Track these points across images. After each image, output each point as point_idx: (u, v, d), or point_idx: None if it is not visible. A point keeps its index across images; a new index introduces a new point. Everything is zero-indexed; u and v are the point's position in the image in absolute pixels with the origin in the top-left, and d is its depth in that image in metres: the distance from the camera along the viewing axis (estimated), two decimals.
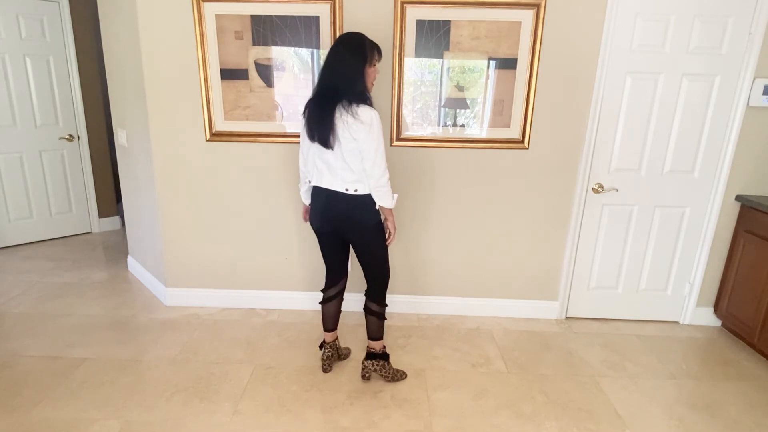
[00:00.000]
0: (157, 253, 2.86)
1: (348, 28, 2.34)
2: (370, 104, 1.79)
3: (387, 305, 2.09)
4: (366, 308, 2.07)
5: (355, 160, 1.80)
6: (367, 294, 2.07)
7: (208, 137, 2.54)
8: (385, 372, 2.12)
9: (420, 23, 2.32)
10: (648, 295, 2.73)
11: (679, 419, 1.96)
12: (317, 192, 1.93)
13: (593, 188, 2.54)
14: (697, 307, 2.72)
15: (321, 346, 2.23)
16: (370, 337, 2.10)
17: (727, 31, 2.28)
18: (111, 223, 4.25)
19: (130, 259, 3.34)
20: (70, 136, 3.85)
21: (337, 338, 2.25)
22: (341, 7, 2.31)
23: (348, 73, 1.76)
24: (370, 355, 2.11)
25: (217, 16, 2.35)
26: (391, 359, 2.32)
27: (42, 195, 3.82)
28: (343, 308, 2.43)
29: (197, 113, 2.51)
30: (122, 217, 4.29)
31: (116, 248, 3.79)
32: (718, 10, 2.26)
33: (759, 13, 2.25)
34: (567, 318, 2.79)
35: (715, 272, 2.66)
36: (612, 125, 2.45)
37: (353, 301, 2.76)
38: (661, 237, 2.62)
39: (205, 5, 2.33)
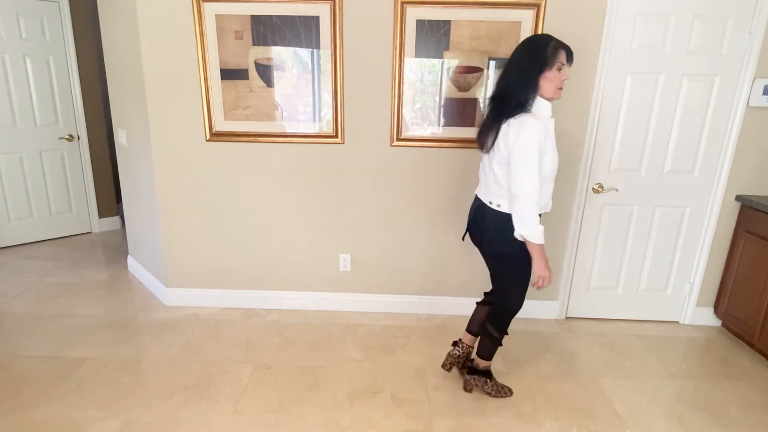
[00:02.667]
0: (157, 253, 2.86)
1: (348, 29, 2.34)
2: (543, 113, 1.68)
3: (507, 333, 1.99)
4: (484, 325, 2.01)
5: (504, 172, 1.71)
6: (489, 313, 2.01)
7: (208, 137, 2.54)
8: (488, 388, 2.05)
9: (420, 23, 2.32)
10: (648, 295, 2.73)
11: (679, 419, 1.96)
12: (474, 201, 1.93)
13: (593, 188, 2.54)
14: (697, 307, 2.72)
15: (455, 343, 2.18)
16: (478, 354, 2.05)
17: (727, 31, 2.28)
18: (111, 223, 4.25)
19: (130, 259, 3.34)
20: (70, 136, 3.85)
21: (472, 347, 2.18)
22: (341, 7, 2.31)
23: (515, 79, 1.67)
24: (472, 370, 2.07)
25: (217, 16, 2.35)
26: (391, 359, 2.32)
27: (42, 195, 3.82)
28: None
29: (197, 113, 2.51)
30: (122, 217, 4.29)
31: (116, 248, 3.79)
32: (718, 10, 2.26)
33: (759, 13, 2.25)
34: (567, 318, 2.79)
35: (715, 272, 2.66)
36: (612, 125, 2.45)
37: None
38: (661, 237, 2.62)
39: (205, 5, 2.34)
